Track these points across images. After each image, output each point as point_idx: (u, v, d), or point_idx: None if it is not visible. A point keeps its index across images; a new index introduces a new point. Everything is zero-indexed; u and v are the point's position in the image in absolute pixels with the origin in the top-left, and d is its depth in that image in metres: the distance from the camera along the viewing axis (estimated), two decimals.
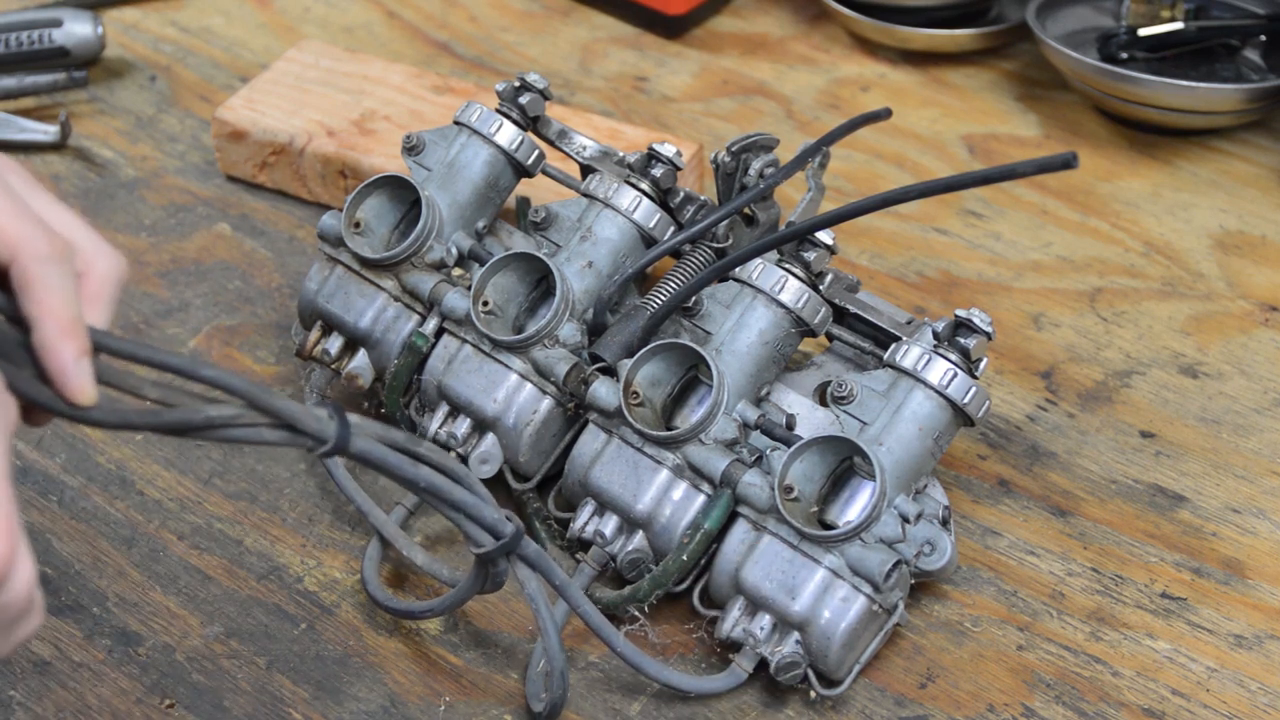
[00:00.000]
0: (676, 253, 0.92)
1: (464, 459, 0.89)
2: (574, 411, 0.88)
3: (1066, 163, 0.70)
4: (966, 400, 0.82)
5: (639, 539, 0.84)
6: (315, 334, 0.93)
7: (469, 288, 0.89)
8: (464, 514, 0.72)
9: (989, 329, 0.82)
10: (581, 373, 0.87)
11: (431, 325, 0.90)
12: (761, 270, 0.85)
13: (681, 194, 0.94)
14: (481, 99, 1.05)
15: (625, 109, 1.22)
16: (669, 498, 0.84)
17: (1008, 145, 1.19)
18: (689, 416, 0.86)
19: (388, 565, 0.88)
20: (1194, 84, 1.13)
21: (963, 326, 0.82)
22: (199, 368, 0.64)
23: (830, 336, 0.90)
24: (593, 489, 0.85)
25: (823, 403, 0.88)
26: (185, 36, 1.30)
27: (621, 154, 0.95)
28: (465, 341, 0.89)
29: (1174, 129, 1.18)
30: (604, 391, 0.85)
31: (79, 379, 0.60)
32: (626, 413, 0.83)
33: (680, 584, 0.83)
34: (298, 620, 0.85)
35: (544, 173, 0.97)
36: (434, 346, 0.90)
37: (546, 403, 0.88)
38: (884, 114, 0.99)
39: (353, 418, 0.66)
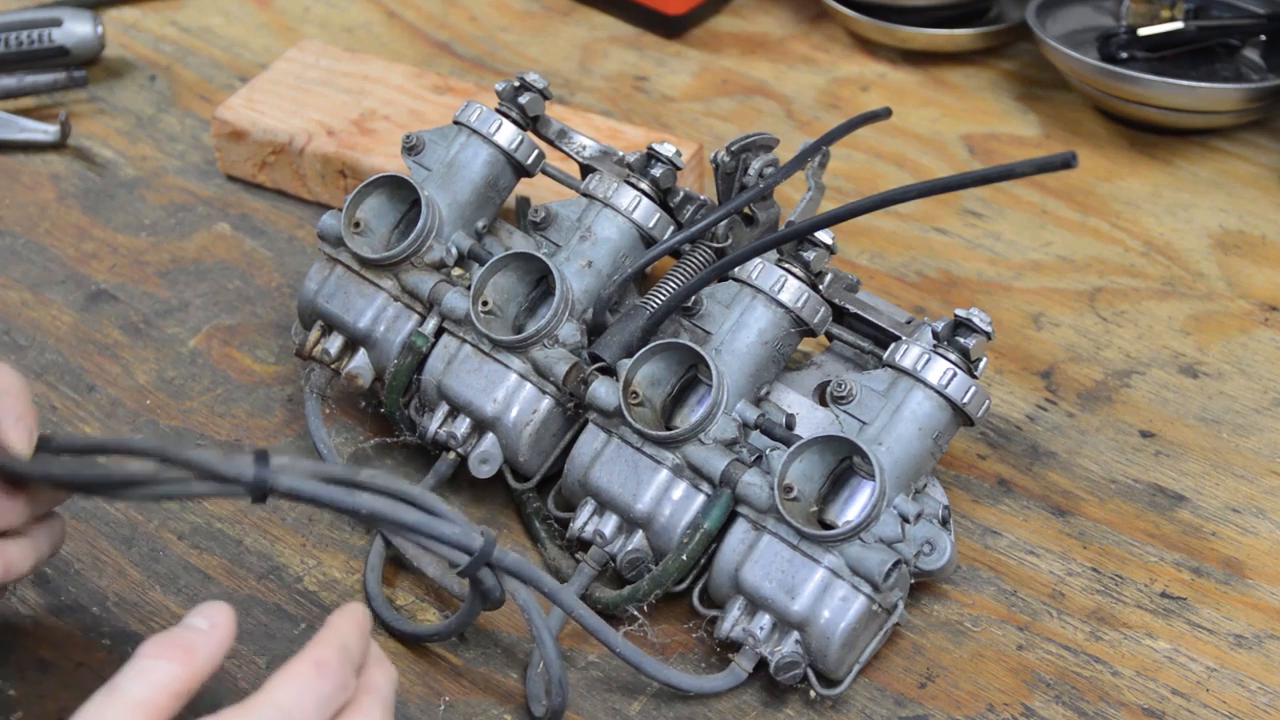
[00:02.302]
0: (676, 252, 0.92)
1: (463, 459, 0.89)
2: (574, 411, 0.88)
3: (1066, 162, 0.70)
4: (966, 400, 0.82)
5: (638, 539, 0.84)
6: (315, 334, 0.93)
7: (469, 287, 0.89)
8: (422, 535, 0.72)
9: (989, 329, 0.82)
10: (581, 372, 0.87)
11: (431, 325, 0.90)
12: (761, 270, 0.85)
13: (681, 194, 0.94)
14: (481, 99, 1.05)
15: (625, 109, 1.23)
16: (668, 497, 0.84)
17: (1008, 145, 1.19)
18: (689, 416, 0.86)
19: (387, 561, 0.88)
20: (1194, 84, 1.14)
21: (962, 326, 0.82)
22: (124, 442, 0.70)
23: (830, 336, 0.90)
24: (592, 488, 0.85)
25: (822, 402, 0.88)
26: (185, 36, 1.31)
27: (621, 154, 0.95)
28: (465, 341, 0.89)
29: (1174, 129, 1.18)
30: (603, 391, 0.85)
31: (16, 432, 0.71)
32: (626, 412, 0.83)
33: (680, 584, 0.83)
34: (297, 620, 0.85)
35: (544, 172, 0.97)
36: (434, 346, 0.90)
37: (546, 402, 0.88)
38: (884, 114, 0.99)
39: (282, 458, 0.66)
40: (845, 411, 0.83)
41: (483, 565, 0.74)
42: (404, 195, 0.93)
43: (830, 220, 0.82)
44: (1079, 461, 0.94)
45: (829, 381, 0.88)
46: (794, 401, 0.87)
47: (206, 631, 0.62)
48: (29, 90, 1.19)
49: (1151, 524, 0.91)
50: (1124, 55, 1.18)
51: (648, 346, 0.85)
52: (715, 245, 0.93)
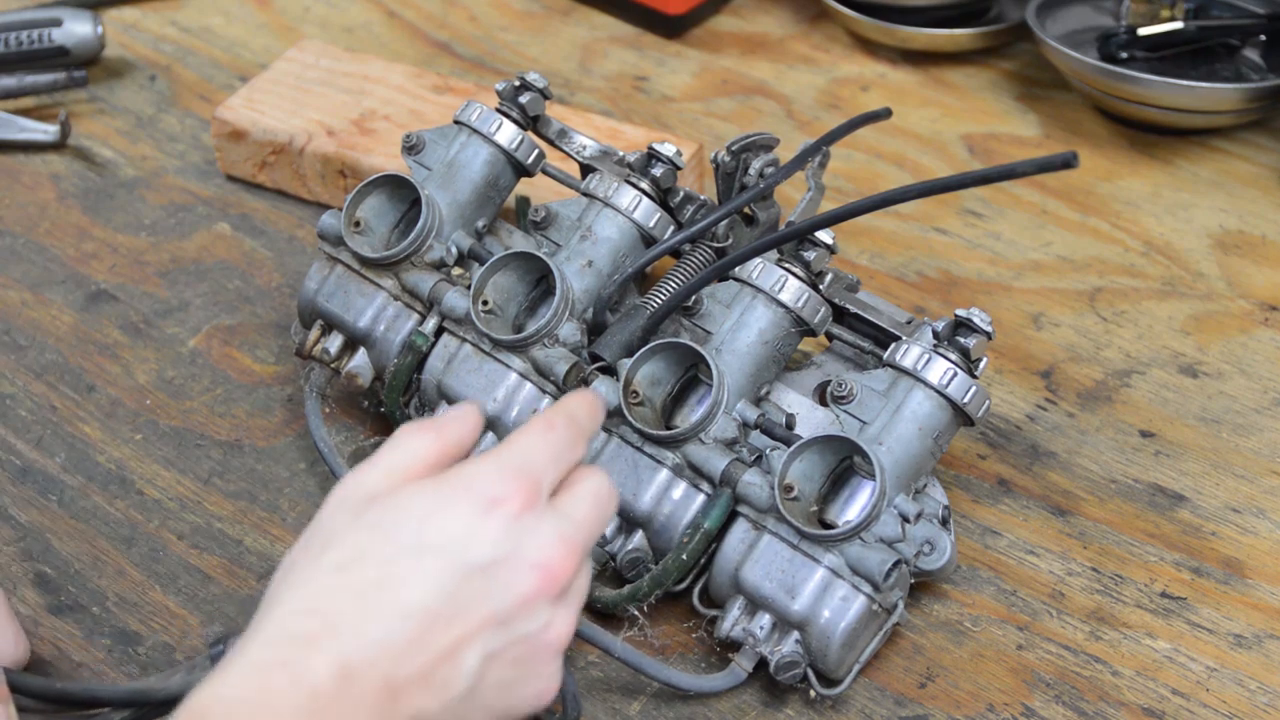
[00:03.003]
0: (676, 252, 0.92)
1: None
2: None
3: (1066, 162, 0.69)
4: (966, 400, 0.82)
5: (638, 538, 0.84)
6: (315, 333, 0.93)
7: (469, 287, 0.89)
8: None
9: (989, 329, 0.82)
10: (581, 372, 0.86)
11: (431, 324, 0.90)
12: (761, 270, 0.85)
13: (681, 193, 0.94)
14: (481, 99, 1.05)
15: (625, 109, 1.22)
16: (669, 497, 0.84)
17: (1008, 145, 1.19)
18: (688, 415, 0.86)
19: None
20: (1194, 84, 1.14)
21: (962, 326, 0.82)
22: (92, 692, 0.74)
23: (830, 336, 0.90)
24: None
25: (823, 402, 0.88)
26: (185, 36, 1.31)
27: (621, 153, 0.95)
28: (465, 341, 0.89)
29: (1174, 129, 1.18)
30: (603, 390, 0.85)
31: None
32: (626, 412, 0.83)
33: (680, 583, 0.83)
34: None
35: (544, 172, 0.97)
36: (434, 346, 0.90)
37: (546, 402, 0.88)
38: (884, 114, 0.99)
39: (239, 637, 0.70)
40: (845, 411, 0.83)
41: None
42: (404, 195, 0.93)
43: (830, 220, 0.82)
44: (1079, 461, 0.94)
45: (829, 381, 0.88)
46: (794, 401, 0.87)
47: (455, 418, 0.68)
48: (29, 90, 1.19)
49: (1151, 524, 0.91)
50: (1124, 55, 1.18)
51: (648, 346, 0.85)
52: (715, 245, 0.93)
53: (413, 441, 0.67)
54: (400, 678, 0.61)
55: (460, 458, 0.68)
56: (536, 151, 0.95)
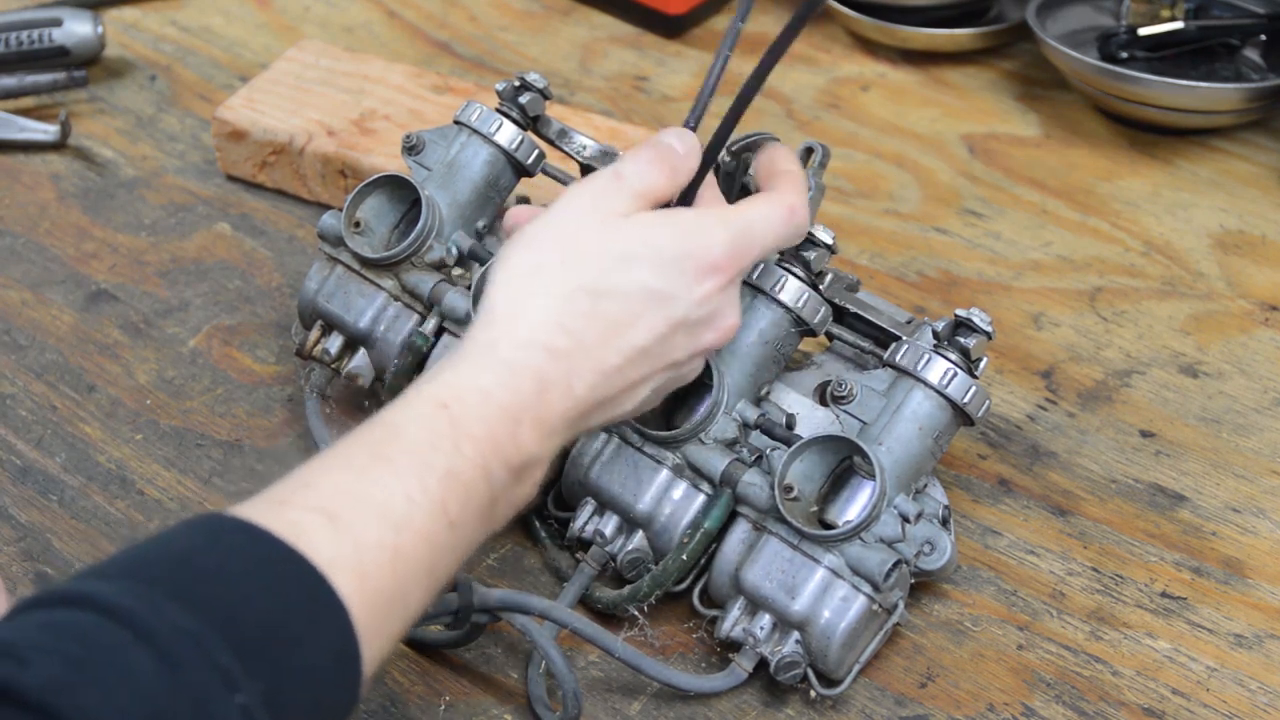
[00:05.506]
0: None
1: None
2: None
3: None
4: (966, 400, 0.81)
5: (639, 538, 0.84)
6: (315, 333, 0.93)
7: (469, 287, 0.89)
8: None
9: (989, 328, 0.82)
10: None
11: (431, 325, 0.90)
12: (761, 270, 0.85)
13: None
14: (481, 99, 1.05)
15: (625, 108, 1.23)
16: (669, 497, 0.84)
17: (1008, 144, 1.19)
18: (689, 416, 0.86)
19: None
20: (1194, 83, 1.14)
21: (962, 326, 0.82)
22: None
23: (830, 336, 0.90)
24: (593, 488, 0.85)
25: (823, 402, 0.87)
26: (185, 36, 1.31)
27: (621, 153, 0.95)
28: None
29: (1174, 128, 1.18)
30: None
31: None
32: None
33: (680, 583, 0.83)
34: None
35: (544, 172, 0.97)
36: (434, 346, 0.90)
37: None
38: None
39: None
40: (845, 411, 0.83)
41: (470, 615, 0.78)
42: (404, 195, 0.93)
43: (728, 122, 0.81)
44: (1079, 461, 0.94)
45: (829, 381, 0.88)
46: (794, 401, 0.87)
47: (685, 156, 0.77)
48: (29, 90, 1.19)
49: (1151, 524, 0.91)
50: (1124, 55, 1.18)
51: None
52: None
53: (653, 173, 0.75)
54: (595, 401, 0.72)
55: (682, 185, 0.77)
56: (536, 151, 0.95)
